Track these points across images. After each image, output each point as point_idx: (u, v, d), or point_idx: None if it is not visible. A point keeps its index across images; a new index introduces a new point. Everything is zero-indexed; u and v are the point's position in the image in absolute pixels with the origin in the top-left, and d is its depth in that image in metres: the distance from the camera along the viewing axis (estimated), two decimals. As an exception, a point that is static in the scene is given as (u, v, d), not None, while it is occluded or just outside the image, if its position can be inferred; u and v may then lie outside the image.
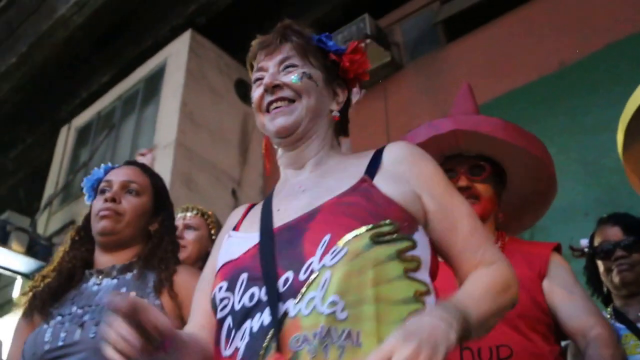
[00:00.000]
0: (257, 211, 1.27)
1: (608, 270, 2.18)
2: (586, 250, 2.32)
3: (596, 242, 2.24)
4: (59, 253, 1.84)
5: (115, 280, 1.71)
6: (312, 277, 1.02)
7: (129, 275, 1.71)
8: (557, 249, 1.79)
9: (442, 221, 1.16)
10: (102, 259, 1.76)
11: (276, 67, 1.26)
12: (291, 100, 1.24)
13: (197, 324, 1.22)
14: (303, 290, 1.02)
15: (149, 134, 6.16)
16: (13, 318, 5.86)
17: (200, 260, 2.45)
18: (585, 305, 1.67)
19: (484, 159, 1.84)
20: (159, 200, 1.87)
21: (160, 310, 1.56)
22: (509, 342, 1.59)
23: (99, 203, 1.76)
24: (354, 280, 1.01)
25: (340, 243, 1.03)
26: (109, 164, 1.95)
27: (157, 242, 1.78)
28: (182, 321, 1.60)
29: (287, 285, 1.04)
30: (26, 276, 6.03)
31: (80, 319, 1.60)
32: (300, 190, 1.22)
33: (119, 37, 6.77)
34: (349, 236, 1.04)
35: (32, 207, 7.04)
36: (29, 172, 7.65)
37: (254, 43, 1.33)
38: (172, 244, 1.81)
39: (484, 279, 1.11)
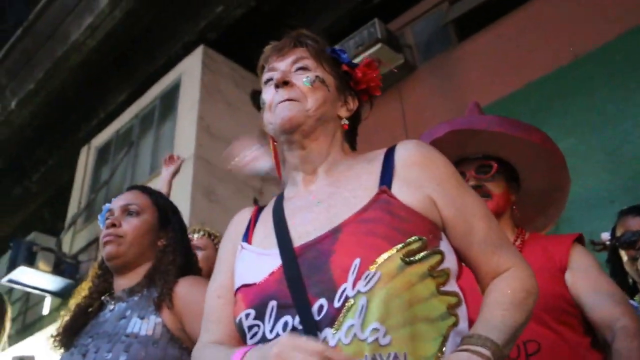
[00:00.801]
0: (267, 219, 1.24)
1: (633, 259, 2.16)
2: (608, 243, 2.31)
3: (618, 233, 2.23)
4: (84, 287, 1.87)
5: (124, 304, 1.72)
6: (348, 304, 1.01)
7: (136, 297, 1.73)
8: (580, 239, 1.77)
9: (458, 225, 1.14)
10: (118, 283, 1.79)
11: (288, 67, 1.25)
12: (297, 102, 1.22)
13: (225, 334, 1.19)
14: (340, 318, 1.00)
15: (167, 149, 6.19)
16: (44, 335, 5.96)
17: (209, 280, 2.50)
18: (610, 295, 1.63)
19: (490, 158, 1.85)
20: (163, 216, 1.89)
21: (162, 328, 1.62)
22: (536, 337, 1.58)
23: (103, 231, 1.81)
24: (391, 304, 1.00)
25: (373, 268, 1.02)
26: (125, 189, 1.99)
27: (160, 258, 1.80)
28: (184, 334, 1.63)
29: (322, 314, 1.02)
30: (55, 294, 6.11)
31: (86, 348, 1.64)
32: (315, 202, 1.18)
33: (133, 57, 6.86)
34: (380, 259, 1.02)
35: (57, 226, 7.12)
36: (52, 193, 7.75)
37: (267, 47, 1.32)
38: (176, 256, 1.81)
39: (504, 292, 1.10)
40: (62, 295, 6.04)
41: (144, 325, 1.63)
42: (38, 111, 6.86)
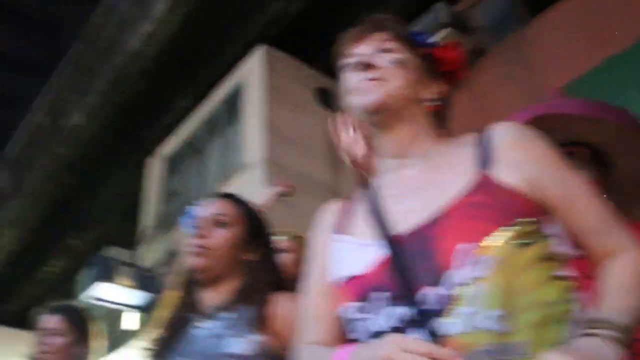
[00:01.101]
0: (361, 209, 1.20)
1: None
2: None
3: None
4: (169, 300, 1.83)
5: (218, 322, 1.66)
6: (459, 291, 0.98)
7: (229, 314, 1.66)
8: None
9: (566, 206, 1.09)
10: (204, 297, 1.73)
11: (370, 50, 1.23)
12: (382, 81, 1.19)
13: (326, 332, 1.18)
14: (452, 306, 0.97)
15: (236, 154, 6.15)
16: (128, 350, 6.02)
17: (296, 282, 2.48)
18: None
19: (578, 144, 1.75)
20: (254, 229, 1.82)
21: (261, 347, 1.58)
22: None
23: (189, 240, 1.75)
24: (507, 290, 0.97)
25: (483, 252, 0.99)
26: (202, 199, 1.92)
27: (252, 274, 1.74)
28: (284, 351, 1.57)
29: (433, 302, 0.99)
30: (137, 308, 6.15)
31: None
32: (412, 188, 1.15)
33: (193, 61, 6.80)
34: (490, 243, 0.99)
35: (131, 240, 7.18)
36: (125, 206, 7.82)
37: (345, 34, 1.29)
38: (268, 272, 1.77)
39: (622, 275, 1.04)
40: (145, 309, 6.07)
41: (242, 344, 1.58)
42: (104, 125, 6.88)
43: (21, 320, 10.15)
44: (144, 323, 6.19)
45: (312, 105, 6.55)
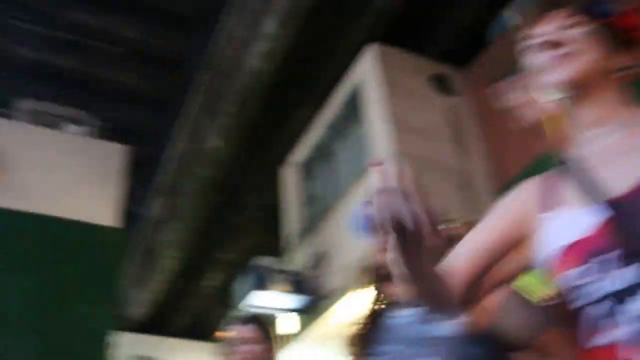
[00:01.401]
0: (565, 182, 1.20)
1: None
2: None
3: None
4: (363, 295, 1.91)
5: (411, 310, 1.70)
6: None
7: None
8: None
9: None
10: (394, 289, 1.76)
11: (553, 28, 1.24)
12: (573, 56, 1.20)
13: (468, 260, 1.21)
14: None
15: (365, 152, 6.31)
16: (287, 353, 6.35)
17: None
18: None
19: None
20: None
21: (468, 327, 1.58)
22: None
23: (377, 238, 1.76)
24: None
25: None
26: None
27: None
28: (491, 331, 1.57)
29: None
30: (293, 311, 6.47)
31: (389, 356, 1.67)
32: (616, 155, 1.14)
33: (309, 71, 7.04)
34: None
35: (277, 247, 7.55)
36: (267, 216, 8.21)
37: (522, 16, 1.32)
38: None
39: None
40: (302, 311, 6.39)
41: (446, 326, 1.61)
42: (238, 142, 7.28)
43: (189, 332, 10.97)
44: (303, 325, 6.52)
45: (429, 92, 6.60)
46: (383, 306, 1.83)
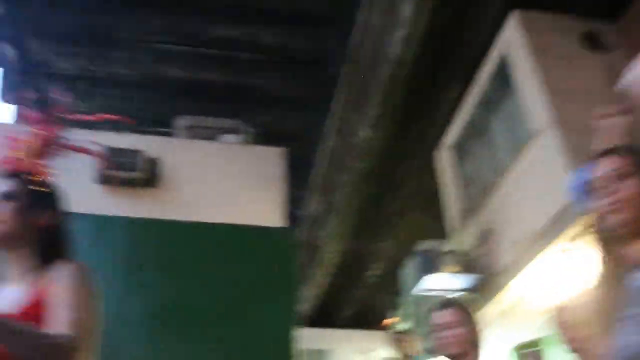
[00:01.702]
0: None
1: None
2: None
3: None
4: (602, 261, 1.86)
5: None
6: None
7: None
8: None
9: None
10: (630, 250, 1.72)
11: None
12: None
13: None
14: None
15: (520, 124, 6.14)
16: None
17: None
18: None
19: None
20: None
21: None
22: None
23: (600, 202, 1.75)
24: None
25: None
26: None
27: None
28: None
29: None
30: (465, 291, 6.45)
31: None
32: None
33: (451, 50, 6.95)
34: None
35: (438, 231, 7.53)
36: (426, 201, 8.22)
37: None
38: None
39: None
40: (474, 290, 6.35)
41: None
42: (388, 132, 7.32)
43: (355, 322, 11.22)
44: (475, 303, 6.46)
45: (583, 52, 6.29)
46: (619, 270, 1.76)
